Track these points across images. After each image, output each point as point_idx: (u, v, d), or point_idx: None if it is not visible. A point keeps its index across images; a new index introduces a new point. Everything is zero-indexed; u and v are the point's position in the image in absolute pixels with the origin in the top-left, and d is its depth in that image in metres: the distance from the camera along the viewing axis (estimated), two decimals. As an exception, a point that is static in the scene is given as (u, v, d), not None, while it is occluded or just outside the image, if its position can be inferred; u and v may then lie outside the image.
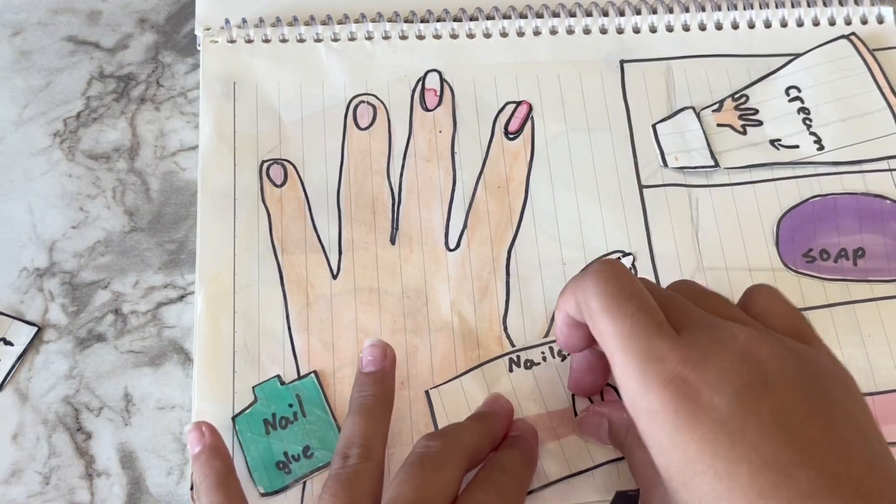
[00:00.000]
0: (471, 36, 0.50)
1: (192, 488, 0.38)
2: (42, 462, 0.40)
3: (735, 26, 0.50)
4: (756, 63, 0.49)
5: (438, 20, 0.50)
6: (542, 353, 0.42)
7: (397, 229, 0.45)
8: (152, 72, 0.50)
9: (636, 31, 0.50)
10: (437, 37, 0.49)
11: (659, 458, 0.31)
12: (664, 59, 0.49)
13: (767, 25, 0.50)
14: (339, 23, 0.49)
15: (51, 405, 0.42)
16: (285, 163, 0.46)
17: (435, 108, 0.48)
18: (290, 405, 0.41)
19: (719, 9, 0.50)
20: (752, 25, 0.50)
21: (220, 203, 0.45)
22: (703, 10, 0.51)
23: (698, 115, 0.48)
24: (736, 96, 0.48)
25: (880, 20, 0.51)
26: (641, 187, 0.46)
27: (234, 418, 0.40)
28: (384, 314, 0.43)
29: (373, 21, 0.49)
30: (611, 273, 0.34)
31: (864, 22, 0.50)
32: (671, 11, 0.50)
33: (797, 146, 0.47)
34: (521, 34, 0.50)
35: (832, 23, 0.50)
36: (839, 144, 0.47)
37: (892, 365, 0.42)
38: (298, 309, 0.43)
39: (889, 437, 0.40)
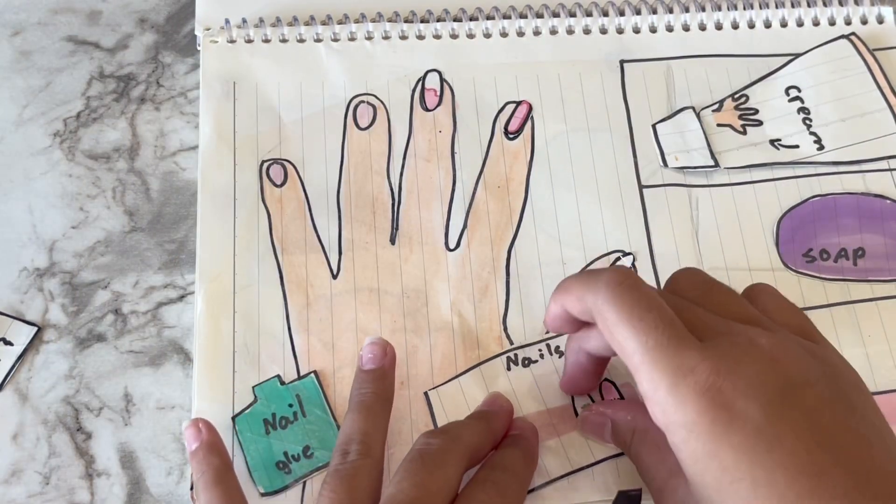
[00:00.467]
0: (471, 36, 0.50)
1: (191, 488, 0.38)
2: (42, 462, 0.40)
3: (735, 26, 0.50)
4: (756, 63, 0.49)
5: (438, 20, 0.50)
6: (540, 350, 0.42)
7: (397, 229, 0.45)
8: (152, 72, 0.50)
9: (636, 31, 0.50)
10: (437, 37, 0.49)
11: (693, 466, 0.31)
12: (664, 59, 0.49)
13: (767, 25, 0.50)
14: (339, 23, 0.49)
15: (51, 405, 0.42)
16: (285, 163, 0.46)
17: (435, 108, 0.48)
18: (290, 405, 0.41)
19: (719, 9, 0.50)
20: (752, 25, 0.50)
21: (220, 203, 0.45)
22: (703, 10, 0.51)
23: (698, 115, 0.48)
24: (736, 96, 0.48)
25: (880, 20, 0.51)
26: (641, 187, 0.46)
27: (234, 418, 0.40)
28: (384, 314, 0.43)
29: (373, 21, 0.50)
30: (627, 284, 0.33)
31: (864, 22, 0.50)
32: (671, 11, 0.50)
33: (797, 146, 0.47)
34: (521, 34, 0.50)
35: (832, 23, 0.50)
36: (839, 144, 0.47)
37: (892, 365, 0.42)
38: (298, 309, 0.43)
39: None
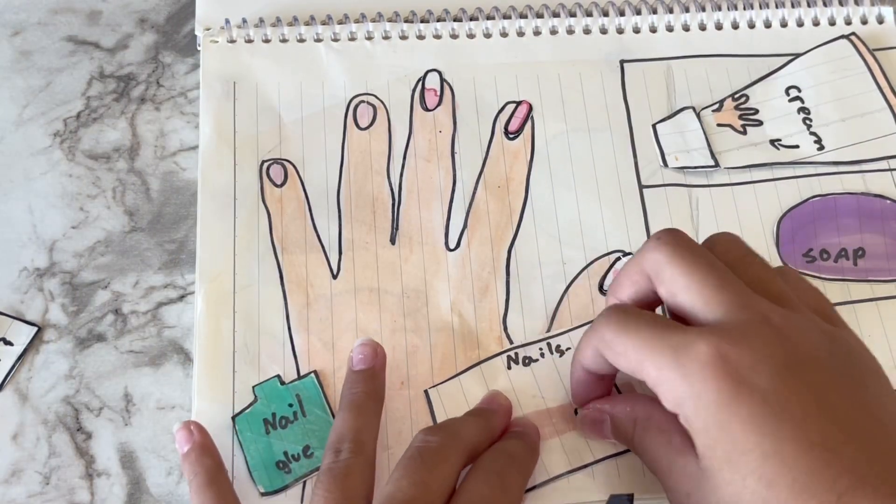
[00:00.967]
0: (471, 36, 0.50)
1: (192, 488, 0.38)
2: (42, 462, 0.40)
3: (735, 26, 0.50)
4: (756, 63, 0.49)
5: (438, 20, 0.50)
6: (541, 349, 0.42)
7: (397, 229, 0.45)
8: (152, 72, 0.50)
9: (636, 31, 0.50)
10: (437, 37, 0.49)
11: (704, 439, 0.32)
12: (664, 58, 0.49)
13: (767, 25, 0.50)
14: (339, 23, 0.49)
15: (51, 405, 0.42)
16: (285, 163, 0.46)
17: (435, 108, 0.48)
18: (290, 405, 0.41)
19: (719, 9, 0.50)
20: (752, 25, 0.50)
21: (220, 203, 0.45)
22: (703, 10, 0.51)
23: (698, 115, 0.48)
24: (736, 96, 0.48)
25: (880, 20, 0.51)
26: (641, 187, 0.46)
27: (234, 418, 0.40)
28: (384, 314, 0.43)
29: (373, 21, 0.50)
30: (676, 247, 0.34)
31: (864, 22, 0.50)
32: (671, 11, 0.50)
33: (797, 146, 0.47)
34: (521, 34, 0.50)
35: (832, 23, 0.50)
36: (839, 144, 0.47)
37: (893, 365, 0.42)
38: (298, 309, 0.43)
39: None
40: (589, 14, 0.50)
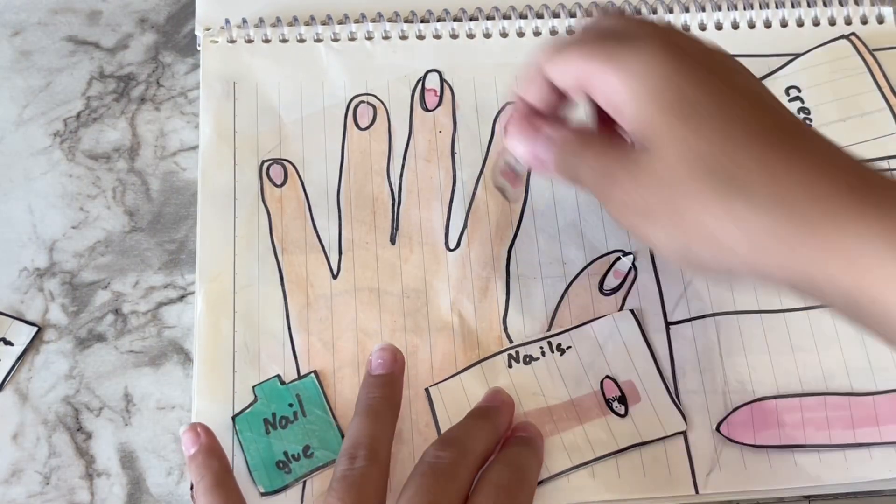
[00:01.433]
0: (471, 36, 0.50)
1: (192, 488, 0.38)
2: (42, 462, 0.40)
3: (735, 26, 0.50)
4: (756, 63, 0.49)
5: (438, 20, 0.50)
6: (541, 348, 0.42)
7: (397, 229, 0.45)
8: (152, 72, 0.50)
9: (636, 31, 0.50)
10: (437, 37, 0.49)
11: (660, 117, 0.31)
12: (664, 59, 0.49)
13: (767, 25, 0.50)
14: (339, 23, 0.49)
15: (51, 405, 0.42)
16: (285, 163, 0.46)
17: (435, 108, 0.48)
18: (290, 405, 0.41)
19: (719, 9, 0.50)
20: (752, 25, 0.50)
21: (220, 203, 0.45)
22: (703, 10, 0.51)
23: (698, 115, 0.47)
24: (736, 96, 0.48)
25: (880, 20, 0.51)
26: (641, 187, 0.46)
27: (234, 418, 0.40)
28: (384, 314, 0.43)
29: (373, 21, 0.50)
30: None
31: (864, 22, 0.50)
32: (671, 11, 0.51)
33: (797, 146, 0.47)
34: (521, 34, 0.50)
35: (832, 23, 0.50)
36: (839, 144, 0.47)
37: (893, 365, 0.42)
38: (298, 309, 0.43)
39: (888, 437, 0.41)
40: (589, 14, 0.50)
